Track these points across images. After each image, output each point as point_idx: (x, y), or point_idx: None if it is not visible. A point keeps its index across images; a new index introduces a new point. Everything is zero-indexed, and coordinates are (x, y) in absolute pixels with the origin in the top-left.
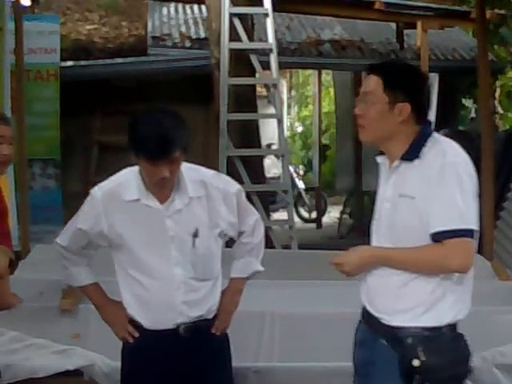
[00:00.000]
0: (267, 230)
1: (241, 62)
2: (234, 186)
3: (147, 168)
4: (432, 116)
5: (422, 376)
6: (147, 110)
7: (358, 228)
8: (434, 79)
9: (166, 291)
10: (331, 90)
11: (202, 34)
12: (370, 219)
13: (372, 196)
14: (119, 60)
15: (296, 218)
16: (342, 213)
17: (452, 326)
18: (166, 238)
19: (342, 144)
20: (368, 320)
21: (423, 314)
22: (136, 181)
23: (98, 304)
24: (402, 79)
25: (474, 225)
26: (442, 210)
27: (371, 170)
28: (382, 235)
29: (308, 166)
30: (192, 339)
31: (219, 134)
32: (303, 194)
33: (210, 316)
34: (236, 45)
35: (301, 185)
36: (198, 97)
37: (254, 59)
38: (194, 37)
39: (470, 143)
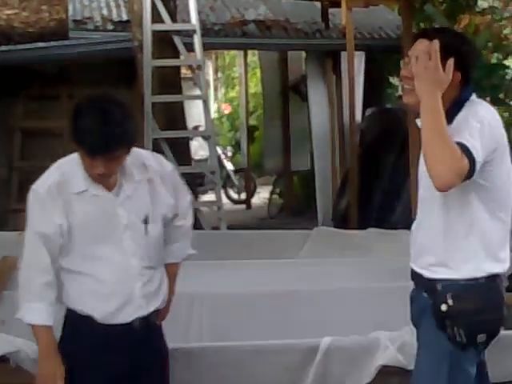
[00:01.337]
0: (195, 211)
1: (164, 43)
2: (168, 165)
3: (85, 160)
4: (359, 94)
5: (452, 321)
6: (93, 99)
7: (288, 208)
8: (361, 58)
9: (125, 285)
10: (258, 71)
11: (124, 17)
12: (299, 199)
13: (301, 176)
14: (40, 44)
15: (225, 200)
16: (271, 193)
17: (489, 278)
18: (119, 228)
19: (269, 125)
20: (414, 277)
21: (459, 268)
22: (81, 171)
23: (43, 352)
24: (453, 44)
25: (479, 157)
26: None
27: (299, 151)
28: (422, 195)
29: (236, 147)
30: (144, 332)
31: (144, 116)
32: (232, 175)
33: (162, 306)
34: (159, 26)
35: (229, 166)
36: (121, 80)
37: (177, 41)
38: (115, 19)
39: (397, 120)
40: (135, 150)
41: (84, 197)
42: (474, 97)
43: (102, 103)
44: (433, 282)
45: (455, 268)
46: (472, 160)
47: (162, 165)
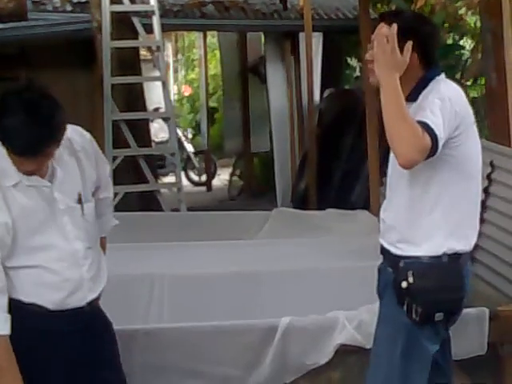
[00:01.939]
0: (155, 193)
1: (123, 24)
2: (87, 134)
3: (13, 158)
4: (317, 75)
5: (410, 298)
6: (18, 91)
7: (248, 189)
8: (318, 39)
9: (74, 271)
10: (217, 53)
11: None
12: (259, 180)
13: (261, 157)
14: None
15: (186, 182)
16: (231, 175)
17: (451, 256)
18: (58, 214)
19: (229, 106)
20: (382, 252)
21: (422, 244)
22: (10, 163)
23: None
24: (411, 27)
25: (441, 133)
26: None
27: (259, 132)
28: (390, 173)
29: (197, 129)
30: (93, 312)
31: (103, 98)
32: (192, 157)
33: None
34: (117, 7)
35: (190, 148)
36: (81, 61)
37: (136, 22)
38: (75, 0)
39: (356, 101)
40: None
41: (19, 189)
42: (441, 76)
43: (28, 97)
44: (397, 258)
45: (418, 245)
46: (434, 137)
47: (82, 135)
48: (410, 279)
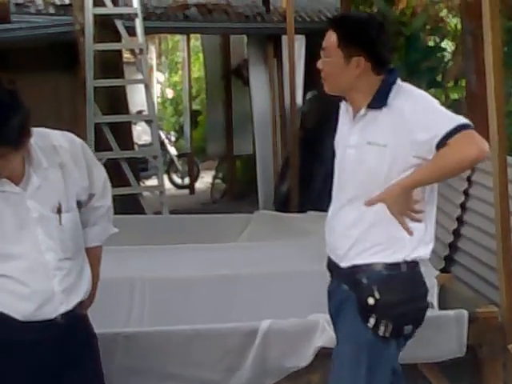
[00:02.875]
0: (138, 196)
1: (106, 27)
2: (78, 140)
3: None
4: (300, 78)
5: (378, 314)
6: None
7: (231, 192)
8: (301, 41)
9: (43, 283)
10: (201, 56)
11: (66, 0)
12: (242, 183)
13: (243, 160)
14: None
15: (169, 185)
16: (214, 178)
17: (410, 264)
18: (30, 223)
19: (212, 109)
20: (331, 269)
21: (380, 252)
22: None
23: None
24: (355, 33)
25: (467, 120)
26: (435, 119)
27: (242, 135)
28: (343, 180)
29: (180, 132)
30: (68, 325)
31: (86, 101)
32: (175, 160)
33: (86, 297)
34: (100, 10)
35: (173, 151)
36: (64, 64)
37: (119, 24)
38: (58, 3)
39: (338, 104)
40: (42, 133)
41: None
42: (399, 80)
43: None
44: (354, 272)
45: (375, 254)
46: (468, 125)
47: (72, 142)
48: (377, 295)
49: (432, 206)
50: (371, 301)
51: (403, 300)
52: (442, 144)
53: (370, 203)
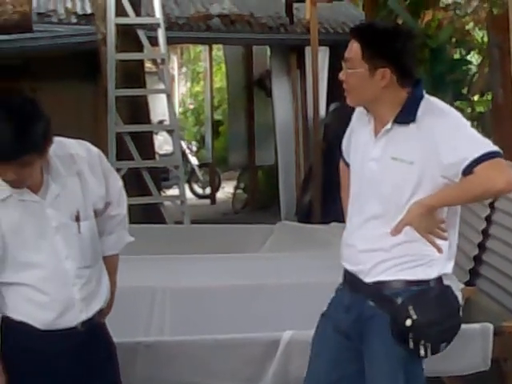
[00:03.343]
0: (159, 206)
1: (128, 37)
2: (94, 149)
3: None
4: (323, 89)
5: (416, 334)
6: (4, 97)
7: (252, 203)
8: (325, 53)
9: (63, 291)
10: (223, 66)
11: (88, 10)
12: (264, 193)
13: (265, 170)
14: (4, 37)
15: (190, 195)
16: (235, 188)
17: (438, 280)
18: (50, 231)
19: (234, 119)
20: (349, 282)
21: (408, 268)
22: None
23: None
24: (380, 44)
25: (496, 148)
26: (465, 144)
27: (264, 145)
28: (365, 194)
29: (201, 142)
30: (88, 333)
31: (107, 110)
32: (197, 170)
33: (105, 305)
34: (122, 20)
35: (194, 161)
36: (85, 73)
37: (141, 34)
38: (80, 12)
39: None
40: (59, 141)
41: (9, 203)
42: (426, 94)
43: (8, 104)
44: (380, 288)
45: (403, 270)
46: (498, 153)
47: (89, 150)
48: (414, 316)
49: (455, 222)
50: (409, 322)
51: (439, 318)
52: (468, 170)
53: (396, 232)
